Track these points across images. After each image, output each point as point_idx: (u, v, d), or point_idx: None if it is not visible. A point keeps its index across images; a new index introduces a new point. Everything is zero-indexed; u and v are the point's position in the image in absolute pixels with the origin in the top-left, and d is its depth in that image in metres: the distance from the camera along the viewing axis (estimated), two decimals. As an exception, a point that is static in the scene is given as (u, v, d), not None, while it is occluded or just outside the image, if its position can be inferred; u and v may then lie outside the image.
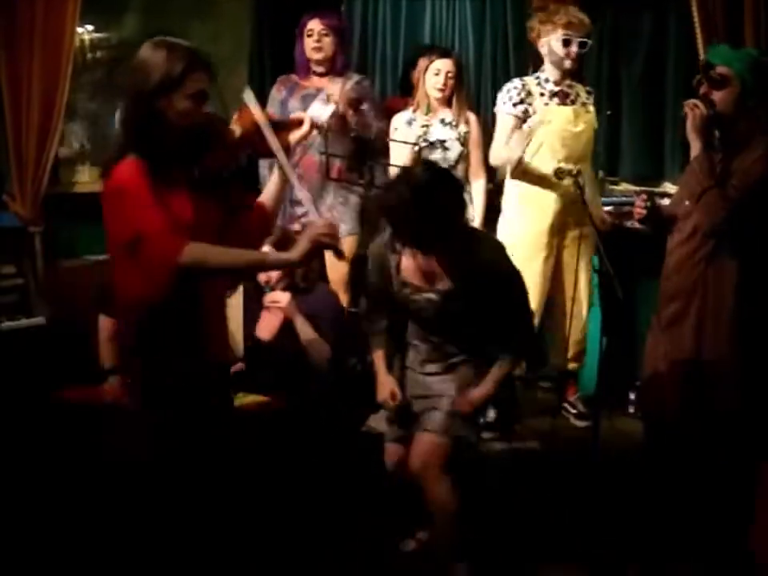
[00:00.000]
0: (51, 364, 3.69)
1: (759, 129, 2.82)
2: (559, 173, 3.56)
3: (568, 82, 3.72)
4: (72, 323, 3.88)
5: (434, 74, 3.71)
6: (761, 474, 2.64)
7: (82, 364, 3.65)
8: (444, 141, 3.75)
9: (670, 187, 4.13)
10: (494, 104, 4.29)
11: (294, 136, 2.28)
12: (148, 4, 4.74)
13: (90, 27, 4.59)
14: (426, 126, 3.68)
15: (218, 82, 2.15)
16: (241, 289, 4.06)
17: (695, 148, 2.79)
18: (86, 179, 4.61)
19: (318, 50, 3.84)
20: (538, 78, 3.73)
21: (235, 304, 4.07)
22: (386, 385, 2.76)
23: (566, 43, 3.61)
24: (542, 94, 3.70)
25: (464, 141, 3.80)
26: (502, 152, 3.71)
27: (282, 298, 3.24)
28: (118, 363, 3.56)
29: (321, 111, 3.81)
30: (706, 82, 2.79)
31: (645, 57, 4.24)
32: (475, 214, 3.80)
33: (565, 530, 2.92)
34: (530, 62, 4.79)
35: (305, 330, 3.22)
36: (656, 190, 4.07)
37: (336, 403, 3.22)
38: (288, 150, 2.27)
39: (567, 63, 3.65)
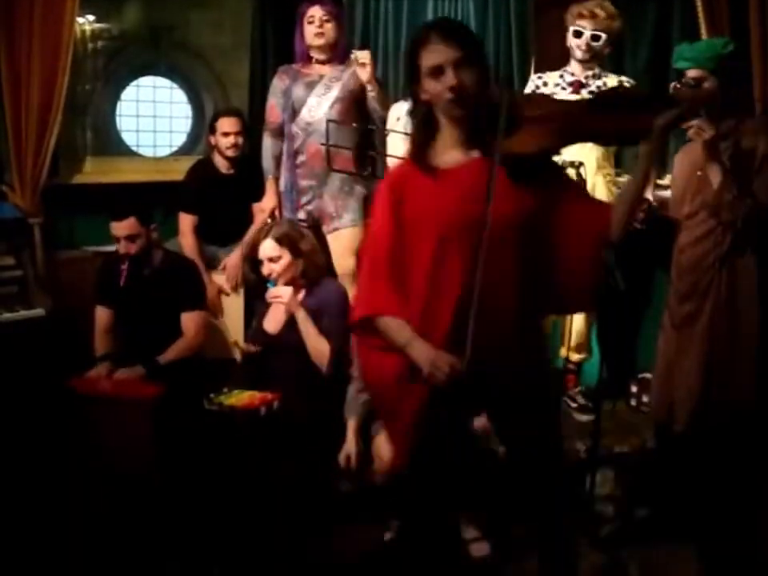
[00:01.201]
0: (51, 355, 3.69)
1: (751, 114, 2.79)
2: (563, 164, 3.54)
3: (593, 72, 3.70)
4: (72, 314, 3.87)
5: None
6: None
7: (82, 355, 3.65)
8: None
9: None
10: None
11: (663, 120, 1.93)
12: (149, -7, 4.73)
13: (90, 17, 4.57)
14: None
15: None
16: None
17: (717, 174, 2.71)
18: (87, 170, 4.60)
19: (320, 35, 3.81)
20: (564, 70, 3.76)
21: (235, 299, 4.08)
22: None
23: (577, 35, 3.63)
24: (556, 85, 3.74)
25: None
26: None
27: (283, 292, 3.22)
28: (110, 351, 3.56)
29: (322, 98, 3.80)
30: (683, 87, 2.74)
31: (649, 46, 4.20)
32: None
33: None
34: (533, 56, 4.77)
35: (306, 326, 3.19)
36: (659, 182, 4.04)
37: (332, 399, 3.19)
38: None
39: (578, 54, 3.66)
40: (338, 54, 3.87)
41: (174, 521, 2.89)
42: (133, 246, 3.43)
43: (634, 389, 3.72)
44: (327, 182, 3.84)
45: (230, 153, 4.11)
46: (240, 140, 4.11)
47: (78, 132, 4.61)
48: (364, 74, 3.71)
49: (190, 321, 3.53)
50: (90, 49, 4.62)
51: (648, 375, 3.65)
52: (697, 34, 3.43)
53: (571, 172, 3.20)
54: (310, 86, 3.85)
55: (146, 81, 4.90)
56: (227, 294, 4.07)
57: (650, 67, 4.19)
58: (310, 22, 3.83)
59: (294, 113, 3.87)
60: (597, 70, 3.72)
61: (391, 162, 3.64)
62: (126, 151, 4.87)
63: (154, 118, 4.94)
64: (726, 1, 3.21)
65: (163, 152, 4.97)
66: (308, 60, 3.92)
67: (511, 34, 4.75)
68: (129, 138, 4.88)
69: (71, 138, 4.52)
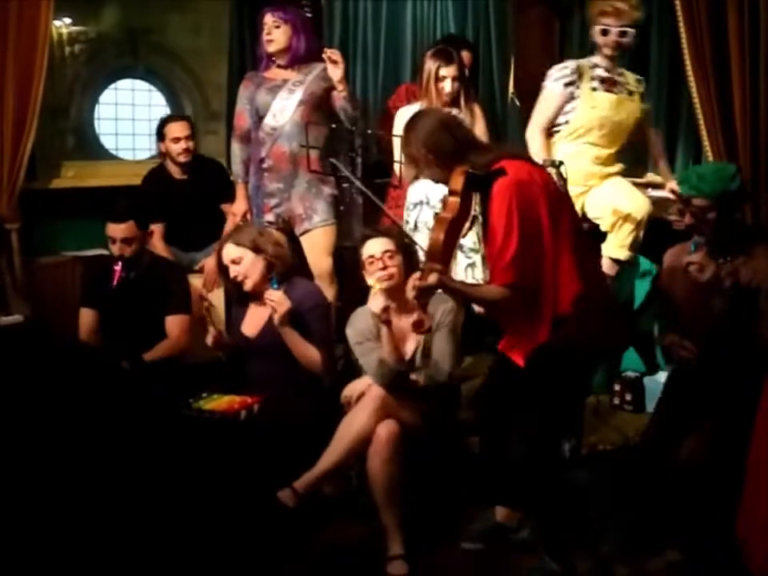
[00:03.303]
0: (29, 362, 3.65)
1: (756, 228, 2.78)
2: (544, 163, 3.54)
3: (619, 69, 3.71)
4: (51, 320, 3.84)
5: (440, 81, 3.71)
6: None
7: (61, 362, 3.62)
8: None
9: (652, 177, 4.12)
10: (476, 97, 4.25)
11: None
12: (127, -4, 4.70)
13: (67, 20, 4.54)
14: None
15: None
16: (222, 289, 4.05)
17: (718, 305, 2.66)
18: (66, 175, 4.57)
19: (270, 42, 3.82)
20: (590, 62, 3.71)
21: (215, 301, 4.04)
22: None
23: (604, 33, 3.59)
24: (592, 78, 3.68)
25: None
26: (537, 129, 3.71)
27: (283, 303, 3.14)
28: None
29: (286, 102, 3.79)
30: (689, 213, 2.73)
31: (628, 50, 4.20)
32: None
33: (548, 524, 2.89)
34: (513, 54, 4.78)
35: (292, 339, 3.16)
36: (638, 180, 4.07)
37: (318, 400, 3.18)
38: None
39: (607, 51, 3.63)
40: (301, 57, 3.84)
41: (152, 528, 2.86)
42: (128, 249, 3.44)
43: (617, 387, 3.73)
44: (294, 185, 3.84)
45: (181, 158, 4.09)
46: (191, 144, 4.09)
47: (56, 136, 4.57)
48: (336, 72, 3.69)
49: (173, 323, 3.53)
50: (67, 52, 4.59)
51: (630, 374, 3.66)
52: (676, 36, 3.44)
53: (552, 171, 3.20)
54: (274, 90, 3.84)
55: (124, 84, 4.88)
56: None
57: (629, 69, 4.20)
58: (262, 30, 3.84)
59: (260, 118, 3.86)
60: (619, 69, 3.71)
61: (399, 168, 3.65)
62: (105, 155, 4.85)
63: (132, 121, 4.92)
64: (704, 5, 3.20)
65: (143, 155, 4.95)
66: (269, 65, 3.91)
67: (490, 32, 4.77)
68: (108, 142, 4.86)
69: (49, 141, 4.48)
